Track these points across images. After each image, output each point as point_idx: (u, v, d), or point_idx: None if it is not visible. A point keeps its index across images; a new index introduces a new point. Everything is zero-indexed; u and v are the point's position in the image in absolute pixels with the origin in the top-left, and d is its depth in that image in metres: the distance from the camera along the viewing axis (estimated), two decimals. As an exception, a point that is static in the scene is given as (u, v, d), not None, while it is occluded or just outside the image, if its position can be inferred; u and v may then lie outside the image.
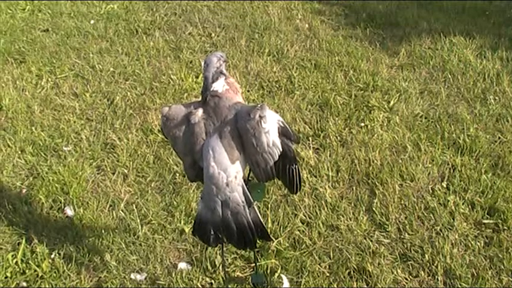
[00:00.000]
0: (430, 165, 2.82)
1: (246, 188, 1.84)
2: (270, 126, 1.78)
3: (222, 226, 1.84)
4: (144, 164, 2.87)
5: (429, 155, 2.89)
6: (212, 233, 1.86)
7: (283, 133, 1.84)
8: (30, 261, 2.36)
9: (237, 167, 1.82)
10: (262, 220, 1.89)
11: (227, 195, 1.81)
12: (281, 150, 1.81)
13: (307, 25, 4.27)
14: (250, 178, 2.03)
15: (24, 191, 2.75)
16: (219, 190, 1.80)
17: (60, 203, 2.66)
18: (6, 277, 2.31)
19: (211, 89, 1.85)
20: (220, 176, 1.79)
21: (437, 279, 2.26)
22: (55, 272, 2.33)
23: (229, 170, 1.80)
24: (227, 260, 2.33)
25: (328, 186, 2.69)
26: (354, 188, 2.71)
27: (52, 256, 2.38)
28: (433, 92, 3.43)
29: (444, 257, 2.33)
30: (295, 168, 1.89)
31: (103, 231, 2.49)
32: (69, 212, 2.60)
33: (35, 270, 2.33)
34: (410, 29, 4.18)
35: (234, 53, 3.85)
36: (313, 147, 2.96)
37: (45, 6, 4.65)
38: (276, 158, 1.81)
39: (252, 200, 1.85)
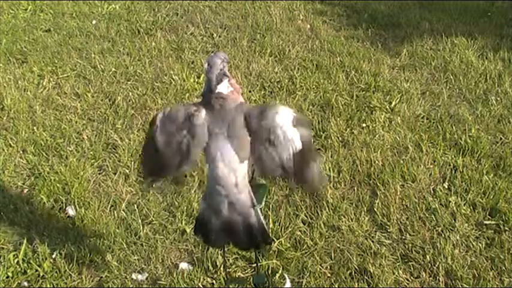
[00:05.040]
0: (431, 166, 2.82)
1: (250, 189, 1.84)
2: (285, 121, 1.78)
3: (227, 227, 1.83)
4: (145, 164, 2.87)
5: (430, 155, 2.88)
6: (215, 234, 1.86)
7: (299, 123, 1.81)
8: (31, 261, 2.36)
9: (245, 168, 1.81)
10: (264, 221, 1.88)
11: (235, 196, 1.80)
12: (300, 143, 1.78)
13: (308, 26, 4.27)
14: (253, 178, 2.03)
15: (25, 190, 2.75)
16: (227, 191, 1.80)
17: (62, 203, 2.66)
18: (7, 277, 2.31)
19: (216, 91, 1.84)
20: (230, 176, 1.79)
21: (439, 280, 2.26)
22: (56, 272, 2.33)
23: (238, 171, 1.79)
24: (228, 260, 2.33)
25: (330, 187, 2.69)
26: (355, 188, 2.70)
27: (53, 256, 2.38)
28: (434, 92, 3.43)
29: (445, 257, 2.33)
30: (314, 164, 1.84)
31: (104, 231, 2.49)
32: (71, 211, 2.61)
33: (36, 270, 2.33)
34: (412, 29, 4.18)
35: (235, 54, 3.85)
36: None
37: (47, 7, 4.65)
38: (290, 152, 1.78)
39: (255, 201, 1.85)
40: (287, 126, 1.77)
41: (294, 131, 1.78)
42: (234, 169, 1.79)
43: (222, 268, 2.29)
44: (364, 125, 3.12)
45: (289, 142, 1.77)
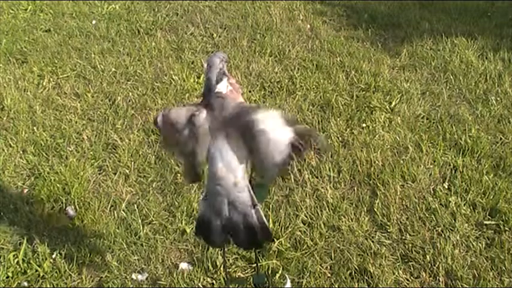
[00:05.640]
0: (431, 166, 2.82)
1: (250, 189, 1.84)
2: (269, 124, 1.75)
3: (228, 227, 1.83)
4: (145, 164, 2.88)
5: (431, 155, 2.88)
6: (217, 234, 1.85)
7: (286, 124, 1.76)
8: (31, 261, 2.36)
9: (244, 167, 1.81)
10: (265, 220, 1.88)
11: (235, 195, 1.80)
12: (289, 149, 1.72)
13: (308, 26, 4.27)
14: (252, 178, 2.03)
15: (25, 191, 2.75)
16: (227, 191, 1.79)
17: (62, 203, 2.66)
18: (7, 277, 2.31)
19: (216, 90, 1.84)
20: (229, 176, 1.78)
21: (439, 280, 2.26)
22: (56, 272, 2.33)
23: (237, 171, 1.79)
24: (228, 260, 2.33)
25: (330, 187, 2.69)
26: (355, 188, 2.70)
27: (53, 256, 2.38)
28: (434, 92, 3.43)
29: (445, 258, 2.33)
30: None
31: (104, 231, 2.49)
32: (71, 212, 2.61)
33: (36, 270, 2.33)
34: (412, 29, 4.18)
35: (235, 54, 3.85)
36: (314, 148, 2.96)
37: (47, 7, 4.65)
38: (281, 157, 1.75)
39: (256, 201, 1.85)
40: (273, 130, 1.72)
41: (282, 137, 1.72)
42: (233, 169, 1.79)
43: (222, 268, 2.29)
44: (364, 125, 3.12)
45: (275, 146, 1.72)
